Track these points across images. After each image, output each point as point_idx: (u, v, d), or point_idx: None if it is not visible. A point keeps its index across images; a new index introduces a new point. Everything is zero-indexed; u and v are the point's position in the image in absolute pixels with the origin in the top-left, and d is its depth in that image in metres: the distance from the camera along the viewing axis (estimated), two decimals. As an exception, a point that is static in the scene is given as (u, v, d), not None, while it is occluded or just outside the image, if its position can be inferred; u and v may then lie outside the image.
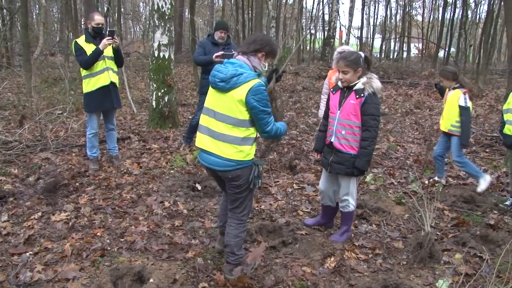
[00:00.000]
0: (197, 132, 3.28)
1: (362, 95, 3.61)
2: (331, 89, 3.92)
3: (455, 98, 5.33)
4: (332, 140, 3.81)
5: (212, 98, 3.16)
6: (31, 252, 3.64)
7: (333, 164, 3.82)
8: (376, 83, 3.64)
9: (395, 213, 4.68)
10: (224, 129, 3.05)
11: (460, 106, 5.27)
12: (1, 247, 3.70)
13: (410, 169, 6.26)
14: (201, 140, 3.22)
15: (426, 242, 3.63)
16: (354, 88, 3.66)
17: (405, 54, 29.54)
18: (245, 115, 3.02)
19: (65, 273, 3.31)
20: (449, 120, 5.43)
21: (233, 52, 6.21)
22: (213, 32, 6.61)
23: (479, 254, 3.75)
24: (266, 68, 3.28)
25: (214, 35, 6.53)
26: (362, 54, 3.70)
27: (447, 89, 5.55)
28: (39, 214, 4.38)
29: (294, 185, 5.49)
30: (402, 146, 7.68)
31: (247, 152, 3.10)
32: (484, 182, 5.28)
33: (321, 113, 6.02)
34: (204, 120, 3.21)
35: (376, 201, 4.98)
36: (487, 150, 7.44)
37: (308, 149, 7.09)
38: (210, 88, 3.19)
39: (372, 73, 3.75)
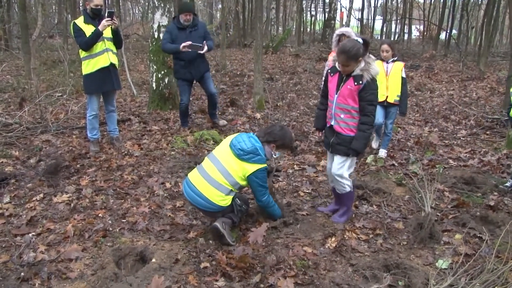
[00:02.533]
0: (195, 169, 3.73)
1: (360, 82, 3.54)
2: (329, 70, 3.86)
3: (399, 70, 5.63)
4: (332, 123, 3.79)
5: (224, 153, 3.64)
6: (33, 233, 3.67)
7: (334, 145, 3.81)
8: (374, 70, 3.57)
9: (395, 194, 4.69)
10: (219, 179, 3.55)
11: (402, 78, 5.63)
12: (4, 228, 3.72)
13: (410, 151, 6.26)
14: (194, 176, 3.67)
15: (426, 222, 3.65)
16: (352, 74, 3.59)
17: (406, 36, 29.29)
18: (241, 181, 3.59)
19: (68, 253, 3.33)
20: (395, 91, 5.67)
21: (203, 43, 6.12)
22: (178, 15, 6.37)
23: (478, 235, 3.77)
24: (277, 156, 3.91)
25: (179, 18, 6.30)
26: (360, 40, 3.59)
27: (382, 62, 5.66)
28: (41, 195, 4.40)
29: (295, 166, 5.50)
30: (403, 128, 7.67)
31: (229, 200, 3.59)
32: (383, 154, 5.90)
33: (322, 94, 6.00)
34: (206, 164, 3.68)
35: (377, 182, 4.99)
36: (487, 132, 7.43)
37: (308, 130, 7.08)
38: (226, 144, 3.67)
39: (371, 56, 3.66)
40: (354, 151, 3.70)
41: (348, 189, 3.90)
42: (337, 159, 3.84)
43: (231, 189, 3.58)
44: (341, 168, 3.83)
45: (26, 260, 3.24)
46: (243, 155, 3.54)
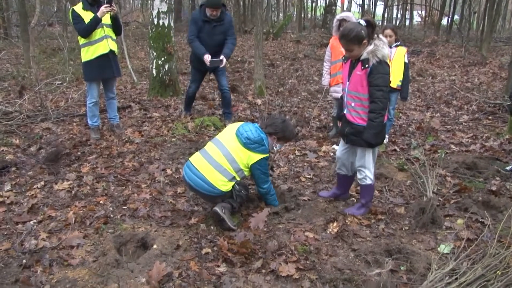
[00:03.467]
0: (198, 153, 3.75)
1: (366, 66, 3.39)
2: (342, 58, 3.75)
3: (402, 55, 5.61)
4: (345, 112, 3.70)
5: (230, 140, 3.65)
6: (35, 221, 3.66)
7: (348, 135, 3.67)
8: (381, 51, 3.37)
9: (397, 179, 4.68)
10: (223, 163, 3.57)
11: (405, 63, 5.61)
12: (6, 216, 3.72)
13: (412, 136, 6.24)
14: (197, 160, 3.68)
15: (428, 207, 3.64)
16: (360, 59, 3.45)
17: (407, 21, 29.06)
18: (245, 168, 3.63)
19: (69, 240, 3.33)
20: (397, 76, 5.62)
21: (222, 57, 5.97)
22: (205, 7, 6.07)
23: (480, 220, 3.76)
24: (278, 148, 4.00)
25: (206, 11, 6.02)
26: (363, 22, 3.41)
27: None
28: (42, 183, 4.40)
29: (296, 151, 5.48)
30: (405, 113, 7.64)
31: (230, 186, 3.61)
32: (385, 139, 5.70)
33: (324, 81, 5.95)
34: (211, 148, 3.70)
35: (379, 167, 4.97)
36: (489, 117, 7.40)
37: (309, 116, 7.05)
38: (231, 131, 3.69)
39: (382, 38, 3.47)
40: (366, 143, 3.56)
41: (368, 181, 3.74)
42: (358, 154, 3.74)
43: (234, 176, 3.60)
44: (361, 159, 3.71)
45: (27, 247, 3.24)
46: (249, 143, 3.58)
